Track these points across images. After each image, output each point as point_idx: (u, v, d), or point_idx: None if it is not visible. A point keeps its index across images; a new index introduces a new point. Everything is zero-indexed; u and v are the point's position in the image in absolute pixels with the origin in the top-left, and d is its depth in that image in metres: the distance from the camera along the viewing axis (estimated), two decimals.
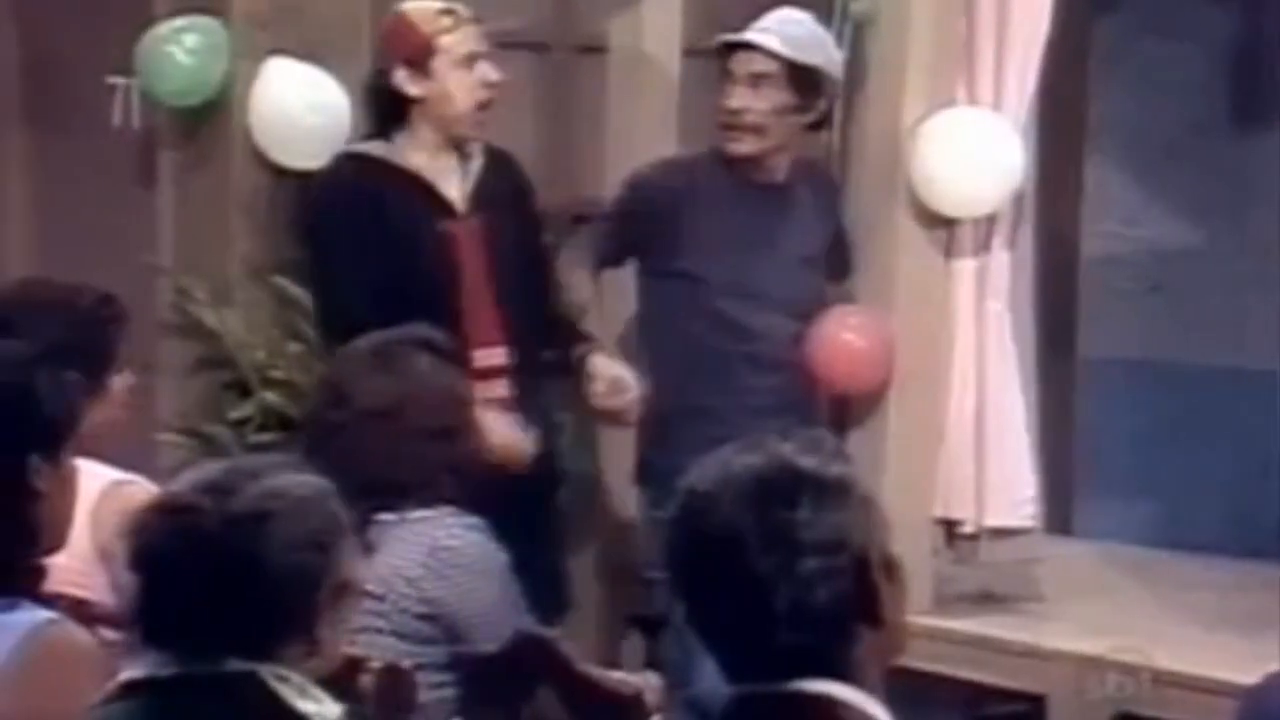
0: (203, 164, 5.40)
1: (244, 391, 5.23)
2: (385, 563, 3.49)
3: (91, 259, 5.35)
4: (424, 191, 4.61)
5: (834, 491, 2.12)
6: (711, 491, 2.12)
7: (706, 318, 4.96)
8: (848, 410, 5.34)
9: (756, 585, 2.08)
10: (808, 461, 2.13)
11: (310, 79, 5.22)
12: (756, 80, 4.94)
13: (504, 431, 4.41)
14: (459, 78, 4.62)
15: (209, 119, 5.31)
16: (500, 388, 4.57)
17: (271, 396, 5.16)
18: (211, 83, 5.25)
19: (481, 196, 4.66)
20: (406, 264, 4.52)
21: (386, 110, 4.67)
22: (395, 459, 3.51)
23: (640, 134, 5.61)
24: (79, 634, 2.70)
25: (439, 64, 4.61)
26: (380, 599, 3.46)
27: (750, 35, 4.98)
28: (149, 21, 5.26)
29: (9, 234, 6.17)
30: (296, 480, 2.44)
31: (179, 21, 5.24)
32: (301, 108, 5.19)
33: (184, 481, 2.44)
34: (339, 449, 3.42)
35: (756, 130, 4.94)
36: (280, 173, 5.25)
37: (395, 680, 3.21)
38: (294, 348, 5.19)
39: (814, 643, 2.09)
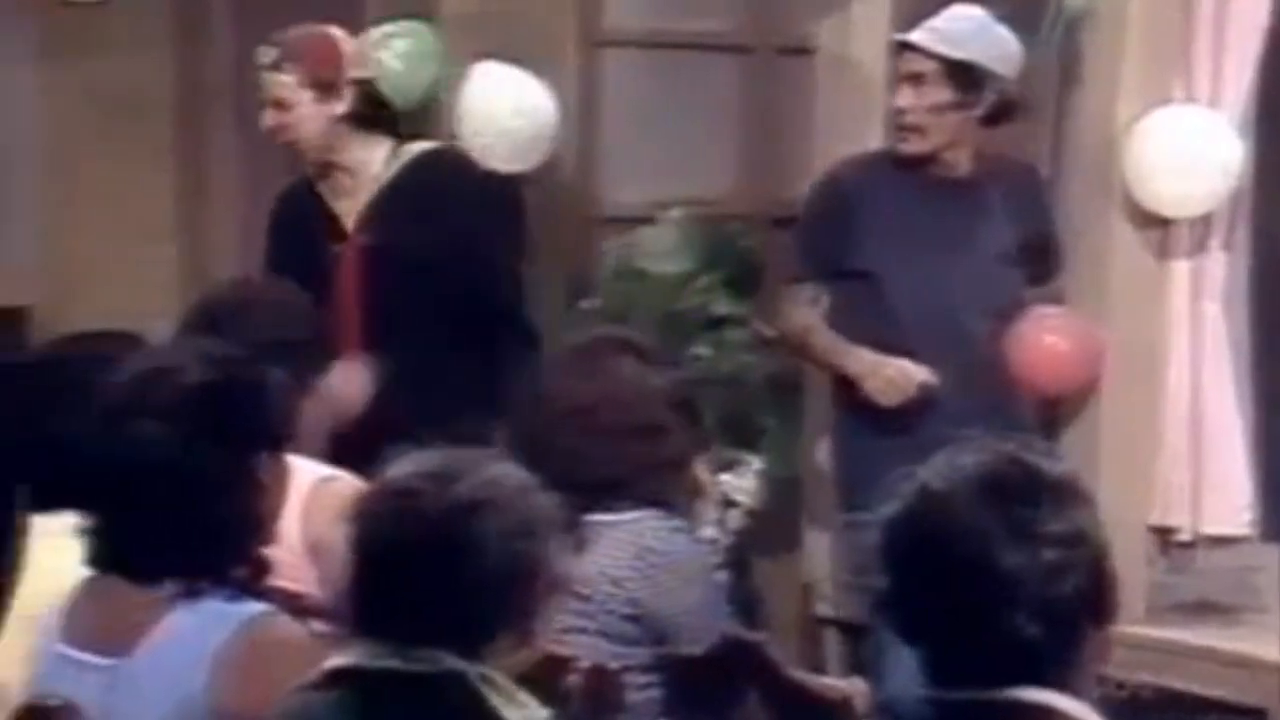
0: None
1: None
2: (592, 563, 3.48)
3: None
4: (327, 214, 4.75)
5: (1067, 488, 2.13)
6: (946, 490, 2.11)
7: (890, 316, 4.90)
8: (1055, 414, 5.24)
9: (1000, 580, 2.07)
10: (1036, 460, 2.13)
11: (516, 82, 5.24)
12: (916, 79, 4.90)
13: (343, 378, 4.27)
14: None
15: (418, 123, 5.35)
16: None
17: None
18: (420, 86, 5.30)
19: (375, 216, 4.71)
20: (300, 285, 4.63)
21: None
22: (590, 459, 3.50)
23: (846, 136, 5.56)
24: (292, 626, 2.73)
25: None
26: (586, 599, 3.45)
27: (910, 34, 4.93)
28: (360, 26, 5.32)
29: (221, 234, 6.28)
30: (510, 471, 2.45)
31: (389, 26, 5.31)
32: (507, 111, 5.21)
33: (403, 469, 2.44)
34: (538, 449, 3.42)
35: (918, 129, 4.90)
36: None
37: (601, 682, 3.21)
38: None
39: (1047, 640, 2.08)
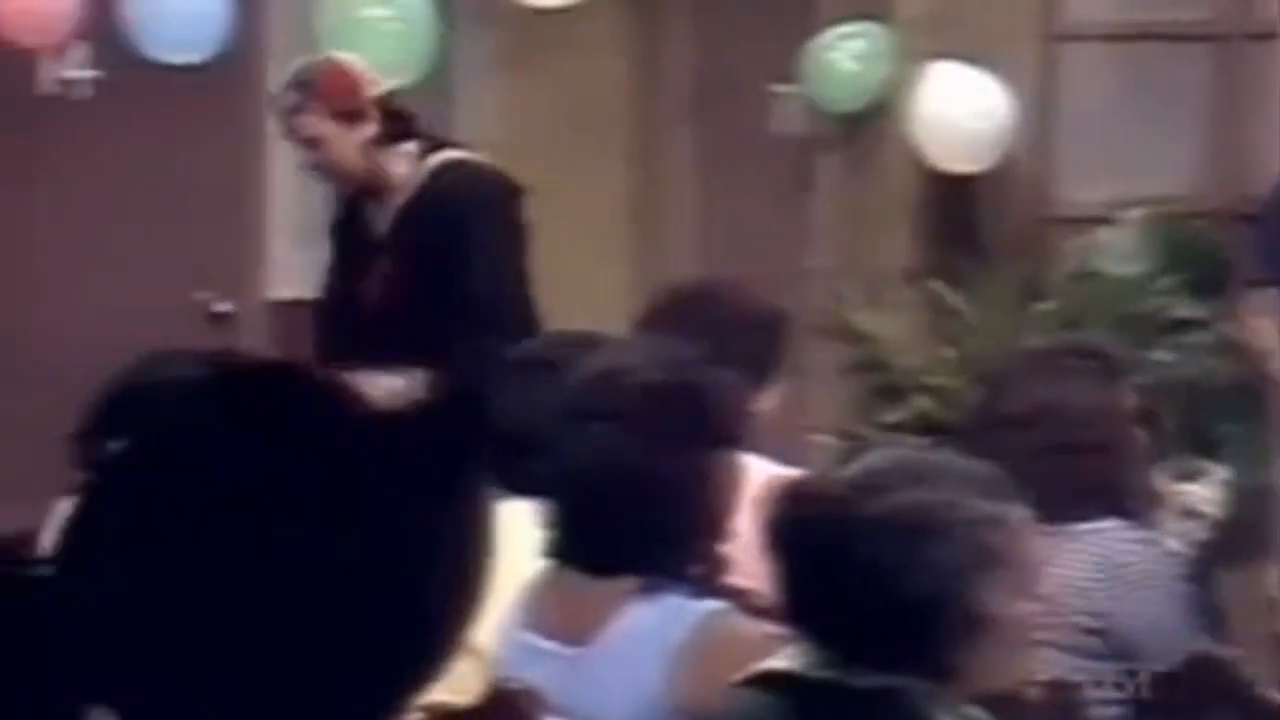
0: (860, 169, 5.42)
1: (896, 396, 5.22)
2: (1054, 575, 3.39)
3: (748, 260, 5.44)
4: (360, 223, 4.86)
5: None
6: None
7: None
8: None
9: None
10: None
11: (972, 83, 5.17)
12: None
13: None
14: None
15: (869, 124, 5.33)
16: None
17: (924, 402, 5.14)
18: (873, 88, 5.28)
19: (404, 221, 4.77)
20: (336, 296, 4.83)
21: None
22: (1031, 471, 3.40)
23: None
24: (748, 624, 2.73)
25: None
26: (1048, 612, 3.36)
27: None
28: (814, 30, 5.31)
29: (677, 239, 6.33)
30: (962, 476, 2.35)
31: (844, 28, 5.29)
32: (963, 112, 5.15)
33: (848, 468, 2.39)
34: (984, 455, 3.34)
35: None
36: (937, 177, 5.21)
37: (1063, 697, 3.12)
38: (948, 353, 5.15)
39: None
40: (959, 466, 2.42)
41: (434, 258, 4.73)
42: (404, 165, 4.80)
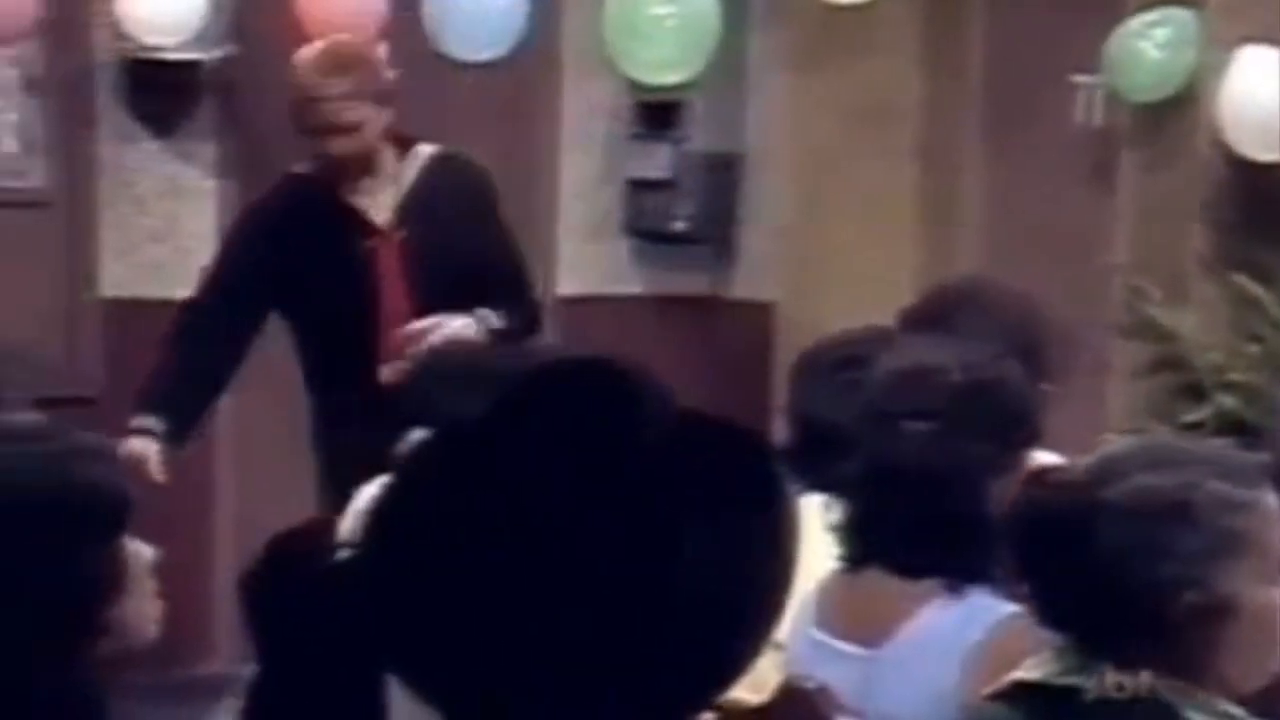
0: (1164, 160, 5.29)
1: (1198, 395, 5.09)
2: None
3: (1043, 258, 5.35)
4: (345, 209, 4.69)
5: None
6: None
7: None
8: None
9: None
10: None
11: None
12: None
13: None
14: None
15: (1174, 114, 5.21)
16: None
17: (1228, 400, 5.01)
18: (1179, 76, 5.16)
19: (410, 210, 4.69)
20: (324, 283, 4.64)
21: None
22: None
23: None
24: (1038, 632, 2.65)
25: None
26: None
27: None
28: (1116, 18, 5.21)
29: (966, 237, 6.25)
30: (1195, 480, 2.24)
31: (1150, 15, 5.19)
32: (1271, 98, 5.00)
33: (1098, 454, 2.32)
34: None
35: None
36: (1242, 166, 5.07)
37: None
38: (1252, 349, 5.02)
39: None
40: (1206, 451, 2.35)
41: (455, 241, 4.72)
42: (387, 152, 4.77)
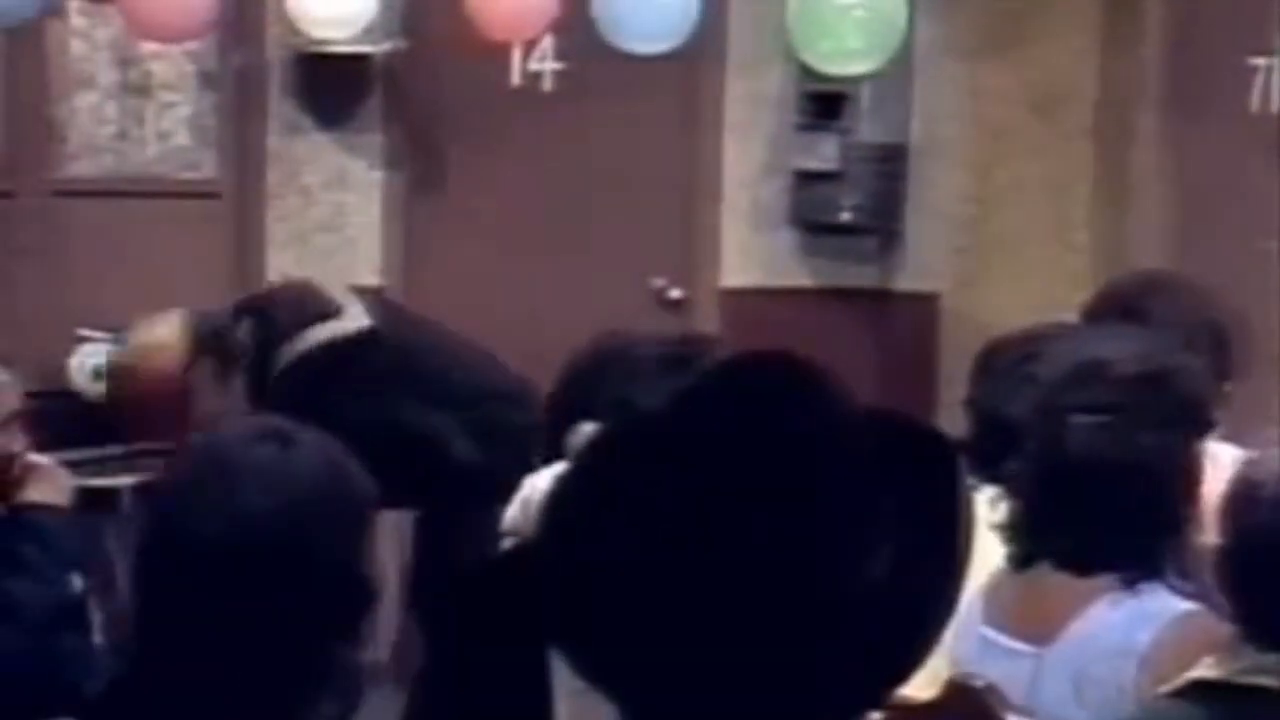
0: None
1: None
2: None
3: (1221, 246, 5.25)
4: None
5: None
6: None
7: None
8: None
9: None
10: None
11: None
12: None
13: None
14: None
15: None
16: None
17: None
18: None
19: None
20: None
21: None
22: None
23: None
24: (1220, 627, 2.60)
25: None
26: None
27: None
28: None
29: (1139, 228, 6.16)
30: None
31: None
32: None
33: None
34: None
35: None
36: None
37: None
38: None
39: None
40: None
41: None
42: None
